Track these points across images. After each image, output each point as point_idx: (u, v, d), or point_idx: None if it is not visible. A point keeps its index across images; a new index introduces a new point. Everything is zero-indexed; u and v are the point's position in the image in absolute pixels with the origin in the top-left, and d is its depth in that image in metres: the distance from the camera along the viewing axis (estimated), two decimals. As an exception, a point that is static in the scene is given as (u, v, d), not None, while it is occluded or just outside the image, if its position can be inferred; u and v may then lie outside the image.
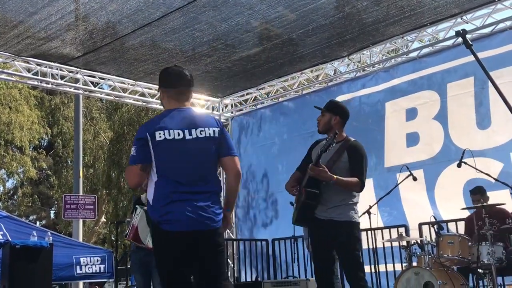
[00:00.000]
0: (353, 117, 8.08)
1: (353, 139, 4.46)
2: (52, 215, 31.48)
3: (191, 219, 3.26)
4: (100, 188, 21.32)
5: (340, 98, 8.53)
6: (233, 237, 9.73)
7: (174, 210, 3.27)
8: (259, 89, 9.73)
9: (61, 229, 24.26)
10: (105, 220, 23.26)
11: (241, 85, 9.63)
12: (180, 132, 3.36)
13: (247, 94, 10.02)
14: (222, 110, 10.43)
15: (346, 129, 4.56)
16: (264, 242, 9.09)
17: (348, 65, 8.81)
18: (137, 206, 6.03)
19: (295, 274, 7.99)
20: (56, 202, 29.97)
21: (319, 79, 9.09)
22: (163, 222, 3.28)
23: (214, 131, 3.44)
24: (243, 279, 9.13)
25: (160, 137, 3.32)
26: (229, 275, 9.10)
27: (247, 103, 10.15)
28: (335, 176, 4.13)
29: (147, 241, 5.82)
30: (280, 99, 9.72)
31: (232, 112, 10.45)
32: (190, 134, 3.38)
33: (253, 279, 8.83)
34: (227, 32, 7.35)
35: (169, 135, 3.33)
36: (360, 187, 4.25)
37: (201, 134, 3.40)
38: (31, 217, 28.81)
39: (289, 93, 9.53)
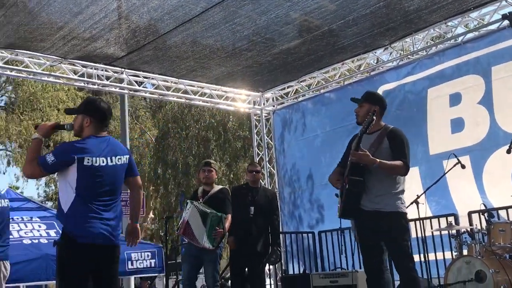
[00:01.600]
0: (396, 105, 8.07)
1: (392, 126, 4.43)
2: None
3: None
4: (147, 185, 21.70)
5: (383, 88, 8.44)
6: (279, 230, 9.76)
7: None
8: (300, 82, 9.70)
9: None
10: (152, 216, 23.67)
11: (282, 79, 9.63)
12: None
13: (288, 87, 10.00)
14: (264, 104, 10.45)
15: (390, 118, 4.53)
16: (310, 235, 9.08)
17: (390, 54, 8.69)
18: (188, 201, 6.14)
19: (343, 265, 7.95)
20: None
21: (361, 69, 8.99)
22: None
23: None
24: (290, 272, 9.16)
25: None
26: (276, 267, 9.15)
27: (288, 96, 10.13)
28: (377, 160, 4.10)
29: (203, 242, 5.91)
30: (322, 91, 9.66)
31: (273, 106, 10.46)
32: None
33: (301, 272, 8.85)
34: (267, 25, 7.35)
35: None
36: (405, 170, 4.20)
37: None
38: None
39: (331, 84, 9.47)
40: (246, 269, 6.62)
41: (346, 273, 7.04)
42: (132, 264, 7.97)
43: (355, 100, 4.56)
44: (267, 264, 7.29)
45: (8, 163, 22.08)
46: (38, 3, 6.51)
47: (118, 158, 3.89)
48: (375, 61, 8.94)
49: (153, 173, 21.21)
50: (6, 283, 5.92)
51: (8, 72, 8.40)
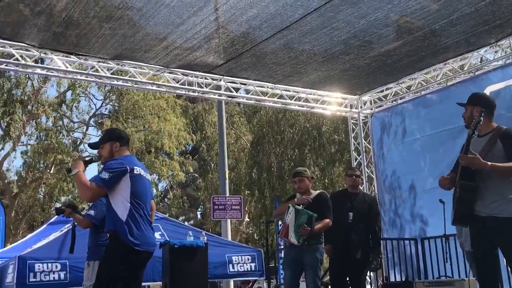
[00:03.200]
0: (506, 107, 7.65)
1: (505, 127, 4.20)
2: (198, 216, 33.15)
3: None
4: (243, 189, 22.06)
5: (490, 88, 8.04)
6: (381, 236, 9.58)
7: None
8: (399, 84, 9.46)
9: (208, 229, 25.45)
10: (248, 220, 24.02)
11: (380, 81, 9.45)
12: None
13: (386, 89, 9.79)
14: (361, 108, 10.30)
15: (500, 122, 4.31)
16: (412, 241, 8.82)
17: (496, 52, 8.27)
18: (289, 205, 6.16)
19: (447, 274, 7.66)
20: (202, 204, 31.53)
21: (464, 69, 8.63)
22: None
23: None
24: (392, 279, 8.94)
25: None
26: (377, 274, 8.97)
27: (387, 98, 9.91)
28: (489, 163, 3.91)
29: (290, 236, 5.95)
30: (422, 92, 9.37)
31: (371, 109, 10.28)
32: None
33: (403, 279, 8.61)
34: (365, 29, 7.26)
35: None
36: None
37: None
38: (180, 218, 30.58)
39: (432, 86, 9.16)
40: (347, 277, 6.54)
41: (452, 281, 6.78)
42: (233, 267, 8.11)
43: (460, 104, 4.40)
44: (368, 271, 7.16)
45: (113, 169, 23.19)
46: (143, 15, 6.82)
47: (148, 175, 4.50)
48: (480, 60, 8.54)
49: (248, 177, 21.54)
50: None
51: (115, 82, 8.84)
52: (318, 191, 6.44)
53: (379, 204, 9.23)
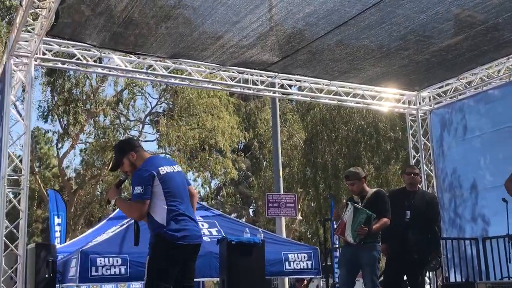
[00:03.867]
0: None
1: None
2: (251, 213, 33.32)
3: None
4: (295, 187, 22.01)
5: (557, 83, 7.74)
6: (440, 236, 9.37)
7: None
8: (460, 79, 9.20)
9: (260, 226, 25.54)
10: (300, 218, 23.94)
11: (440, 76, 9.21)
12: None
13: (446, 85, 9.54)
14: (420, 104, 10.07)
15: None
16: (473, 241, 8.57)
17: None
18: (348, 202, 6.10)
19: (511, 275, 7.41)
20: (254, 201, 31.67)
21: (529, 64, 8.32)
22: None
23: None
24: (452, 280, 8.71)
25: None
26: (436, 274, 8.76)
27: (447, 94, 9.66)
28: None
29: (346, 234, 5.88)
30: (484, 88, 9.08)
31: (430, 105, 10.04)
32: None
33: (463, 280, 8.38)
34: (425, 23, 7.09)
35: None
36: None
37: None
38: (232, 215, 30.82)
39: (494, 81, 8.86)
40: (405, 277, 6.41)
41: (517, 283, 6.55)
42: (289, 265, 8.08)
43: None
44: (427, 271, 7.00)
45: (168, 166, 23.57)
46: (200, 14, 6.88)
47: (176, 167, 4.51)
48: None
49: (301, 175, 21.47)
50: None
51: (172, 80, 8.97)
52: (374, 189, 6.33)
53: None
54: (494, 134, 8.77)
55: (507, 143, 8.34)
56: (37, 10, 6.42)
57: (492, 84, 8.95)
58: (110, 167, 4.82)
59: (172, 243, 4.17)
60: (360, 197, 6.19)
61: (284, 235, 11.10)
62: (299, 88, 9.43)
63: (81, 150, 24.17)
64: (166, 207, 4.23)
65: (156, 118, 23.68)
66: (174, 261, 4.21)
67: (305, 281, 10.14)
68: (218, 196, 30.65)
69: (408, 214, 6.34)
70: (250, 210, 33.81)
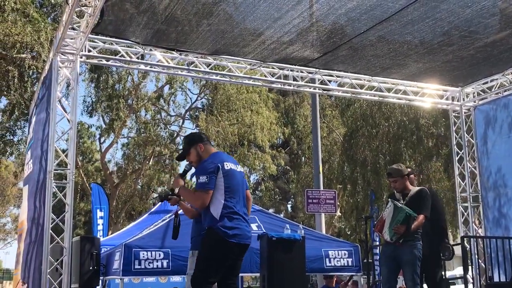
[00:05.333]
0: None
1: None
2: (289, 209, 33.32)
3: None
4: (334, 183, 21.89)
5: None
6: (482, 234, 9.17)
7: None
8: (505, 75, 8.96)
9: (298, 222, 25.51)
10: (340, 214, 23.81)
11: (485, 72, 8.99)
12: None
13: (491, 81, 9.31)
14: (464, 100, 9.86)
15: None
16: (518, 240, 8.35)
17: None
18: (389, 199, 6.04)
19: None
20: (292, 196, 31.65)
21: None
22: None
23: None
24: (496, 279, 8.52)
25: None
26: (479, 274, 8.59)
27: (492, 90, 9.42)
28: None
29: (383, 232, 5.84)
30: (531, 84, 8.84)
31: (474, 101, 9.82)
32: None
33: (508, 280, 8.19)
34: (470, 18, 6.93)
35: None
36: None
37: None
38: (270, 210, 30.88)
39: (542, 77, 8.62)
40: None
41: None
42: (329, 262, 8.07)
43: None
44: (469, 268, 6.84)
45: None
46: (242, 11, 6.90)
47: (239, 166, 4.64)
48: None
49: (341, 171, 21.33)
50: None
51: (214, 77, 9.03)
52: (418, 188, 6.26)
53: (481, 203, 8.88)
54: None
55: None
56: (82, 8, 6.57)
57: (539, 80, 8.70)
58: (177, 156, 4.99)
59: (223, 239, 4.29)
60: (402, 195, 6.13)
61: (324, 232, 11.07)
62: (339, 84, 9.35)
63: (123, 145, 24.64)
64: (223, 201, 4.37)
65: (196, 114, 23.91)
66: (223, 257, 4.32)
67: (347, 278, 10.05)
68: (257, 191, 30.76)
69: None
70: (289, 206, 33.81)
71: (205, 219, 4.44)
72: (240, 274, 10.51)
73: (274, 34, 7.52)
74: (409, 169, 6.43)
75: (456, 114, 10.04)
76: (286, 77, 8.94)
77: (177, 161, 23.98)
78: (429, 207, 6.01)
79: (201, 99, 23.66)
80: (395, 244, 5.86)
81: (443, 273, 6.80)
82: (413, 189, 6.18)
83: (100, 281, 8.05)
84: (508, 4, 6.57)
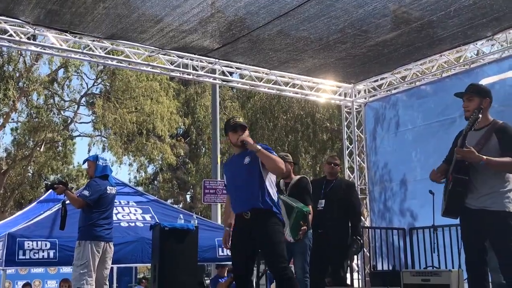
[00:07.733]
0: (500, 101, 7.67)
1: (501, 121, 4.23)
2: (188, 199, 33.15)
3: None
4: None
5: (484, 81, 8.05)
6: (368, 225, 9.63)
7: None
8: (394, 74, 9.47)
9: (197, 212, 25.46)
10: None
11: (375, 70, 9.45)
12: None
13: (381, 79, 9.80)
14: (355, 96, 10.31)
15: (493, 115, 4.33)
16: (401, 231, 8.88)
17: (492, 46, 8.29)
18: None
19: (434, 264, 7.72)
20: (192, 187, 31.52)
21: (460, 61, 8.64)
22: None
23: None
24: (379, 268, 9.01)
25: None
26: (364, 262, 9.04)
27: (381, 88, 9.92)
28: (484, 157, 3.95)
29: (285, 234, 5.78)
30: (417, 83, 9.38)
31: (365, 98, 10.28)
32: None
33: (390, 268, 8.68)
34: (363, 18, 7.24)
35: None
36: None
37: None
38: (169, 201, 30.54)
39: (427, 77, 9.18)
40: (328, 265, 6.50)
41: (439, 272, 6.79)
42: (222, 251, 8.10)
43: (458, 95, 4.39)
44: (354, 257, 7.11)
45: (103, 149, 23.09)
46: (141, -4, 6.75)
47: None
48: (476, 53, 8.56)
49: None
50: None
51: (109, 62, 8.77)
52: (298, 176, 6.46)
53: (368, 196, 9.28)
54: (424, 128, 9.09)
55: (436, 137, 8.63)
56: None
57: (425, 80, 9.25)
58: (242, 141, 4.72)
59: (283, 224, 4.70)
60: (285, 184, 6.34)
61: (219, 222, 11.11)
62: (240, 76, 9.43)
63: (12, 129, 23.24)
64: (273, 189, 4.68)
65: (92, 100, 23.06)
66: None
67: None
68: (155, 182, 30.32)
69: (323, 202, 6.39)
70: (187, 196, 33.62)
71: (264, 200, 4.48)
72: (132, 265, 10.35)
73: (173, 21, 7.43)
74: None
75: (348, 110, 10.47)
76: (186, 66, 8.88)
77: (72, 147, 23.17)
78: (311, 197, 6.23)
79: (98, 84, 22.80)
80: (296, 241, 5.89)
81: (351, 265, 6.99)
82: (295, 177, 6.40)
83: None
84: (397, 6, 6.91)
